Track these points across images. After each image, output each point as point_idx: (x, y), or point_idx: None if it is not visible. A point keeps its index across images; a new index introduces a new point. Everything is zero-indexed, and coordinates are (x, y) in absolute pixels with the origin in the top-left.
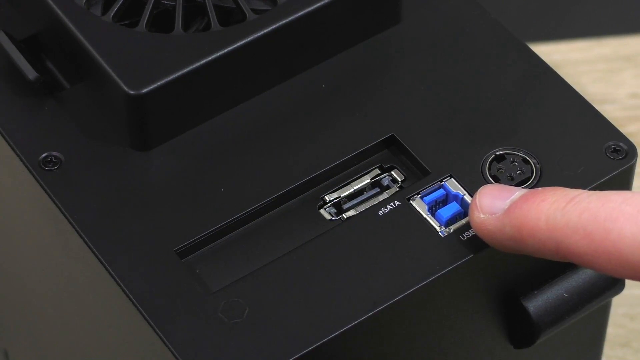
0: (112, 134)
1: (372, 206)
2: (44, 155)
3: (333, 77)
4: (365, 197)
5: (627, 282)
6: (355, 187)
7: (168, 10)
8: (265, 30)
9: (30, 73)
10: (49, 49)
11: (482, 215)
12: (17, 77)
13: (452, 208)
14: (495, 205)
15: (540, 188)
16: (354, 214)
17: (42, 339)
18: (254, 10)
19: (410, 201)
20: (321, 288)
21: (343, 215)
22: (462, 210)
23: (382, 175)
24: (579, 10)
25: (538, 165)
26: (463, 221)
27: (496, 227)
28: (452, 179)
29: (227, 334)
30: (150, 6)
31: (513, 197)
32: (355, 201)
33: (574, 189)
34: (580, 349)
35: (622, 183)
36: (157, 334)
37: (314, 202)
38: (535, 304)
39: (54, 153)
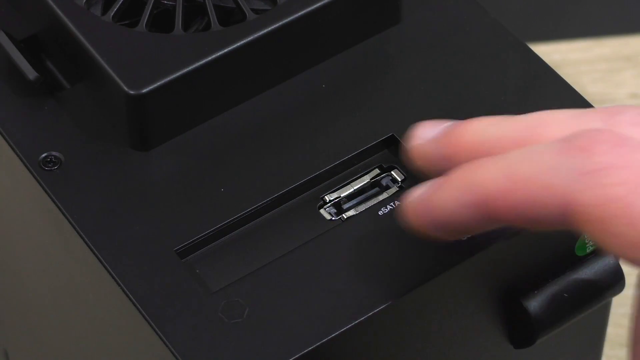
0: (112, 134)
1: (372, 206)
2: (44, 155)
3: (333, 77)
4: (365, 197)
5: (627, 282)
6: (355, 187)
7: (168, 10)
8: (265, 30)
9: (30, 73)
10: (49, 49)
11: (417, 141)
12: (17, 77)
13: None
14: (431, 132)
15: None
16: (354, 214)
17: (42, 339)
18: (254, 10)
19: None
20: (321, 288)
21: (343, 215)
22: None
23: (382, 175)
24: (579, 10)
25: None
26: None
27: (431, 148)
28: None
29: (227, 334)
30: (150, 6)
31: (448, 123)
32: (355, 201)
33: None
34: (580, 349)
35: None
36: (157, 334)
37: (314, 202)
38: (535, 304)
39: (54, 153)
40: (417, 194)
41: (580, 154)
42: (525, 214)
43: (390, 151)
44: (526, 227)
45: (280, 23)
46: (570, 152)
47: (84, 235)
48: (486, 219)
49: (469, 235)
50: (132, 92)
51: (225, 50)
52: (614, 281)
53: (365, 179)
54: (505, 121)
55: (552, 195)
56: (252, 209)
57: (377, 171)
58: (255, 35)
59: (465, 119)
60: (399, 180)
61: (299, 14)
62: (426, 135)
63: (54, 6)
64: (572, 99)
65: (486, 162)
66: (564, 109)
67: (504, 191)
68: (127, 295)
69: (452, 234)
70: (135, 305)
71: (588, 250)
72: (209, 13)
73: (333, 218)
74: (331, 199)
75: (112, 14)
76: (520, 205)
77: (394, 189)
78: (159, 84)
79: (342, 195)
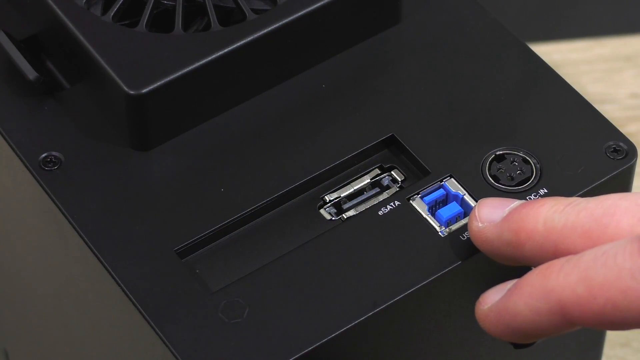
0: (112, 134)
1: (372, 206)
2: (44, 155)
3: (333, 77)
4: (365, 197)
5: None
6: (355, 187)
7: (168, 10)
8: (265, 30)
9: (30, 73)
10: (49, 49)
11: (480, 225)
12: (17, 77)
13: (452, 208)
14: (493, 214)
15: (539, 198)
16: (354, 214)
17: (42, 339)
18: (254, 10)
19: (410, 201)
20: (321, 288)
21: (343, 215)
22: (462, 210)
23: (382, 175)
24: (579, 10)
25: (538, 165)
26: (463, 221)
27: (494, 234)
28: (452, 179)
29: (227, 334)
30: (150, 6)
31: (512, 205)
32: (355, 201)
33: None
34: (580, 349)
35: (622, 183)
36: (157, 334)
37: (314, 202)
38: None
39: (54, 153)
40: (491, 300)
41: None
42: (609, 318)
43: (390, 151)
44: (611, 329)
45: (280, 23)
46: None
47: (84, 235)
48: (564, 324)
49: (549, 337)
50: (132, 92)
51: (225, 50)
52: None
53: (365, 179)
54: (571, 208)
55: (635, 298)
56: (252, 209)
57: (377, 171)
58: (255, 35)
59: (528, 200)
60: (399, 180)
61: (299, 14)
62: (490, 218)
63: (54, 6)
64: (572, 99)
65: (559, 267)
66: (627, 194)
67: (581, 299)
68: (127, 295)
69: (530, 338)
70: (135, 305)
71: None
72: (209, 13)
73: (333, 218)
74: (331, 199)
75: (112, 14)
76: (601, 311)
77: (394, 189)
78: (159, 84)
79: (342, 195)
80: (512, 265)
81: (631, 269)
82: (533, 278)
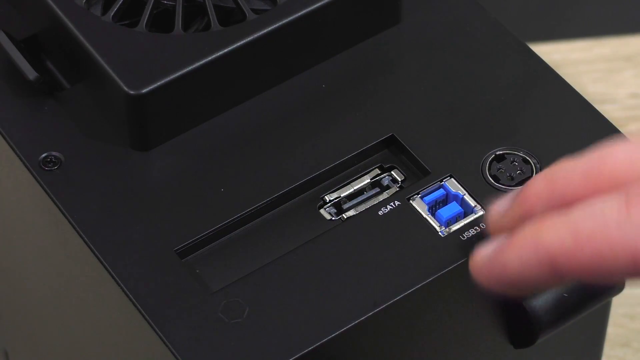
0: (112, 134)
1: (372, 206)
2: (44, 155)
3: (333, 77)
4: (365, 197)
5: (627, 281)
6: (355, 187)
7: (168, 10)
8: (265, 30)
9: (30, 73)
10: (49, 49)
11: (493, 220)
12: (17, 77)
13: (452, 208)
14: (500, 205)
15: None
16: (354, 214)
17: (42, 339)
18: (254, 10)
19: (410, 201)
20: (321, 288)
21: (343, 215)
22: (462, 210)
23: (382, 175)
24: (579, 10)
25: (538, 165)
26: (463, 221)
27: (506, 219)
28: (452, 179)
29: (227, 334)
30: (150, 6)
31: (515, 190)
32: (355, 201)
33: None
34: (580, 349)
35: None
36: (157, 334)
37: (314, 202)
38: (535, 304)
39: (54, 153)
40: (484, 253)
41: None
42: (595, 270)
43: (390, 151)
44: (598, 282)
45: (280, 23)
46: (633, 204)
47: (84, 235)
48: (554, 276)
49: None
50: (132, 92)
51: (225, 50)
52: None
53: (366, 179)
54: (569, 161)
55: (621, 250)
56: (252, 209)
57: (377, 171)
58: (255, 35)
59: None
60: (399, 180)
61: (299, 14)
62: (500, 208)
63: (54, 6)
64: (572, 99)
65: (549, 220)
66: (626, 142)
67: (569, 250)
68: (127, 295)
69: (521, 291)
70: (135, 305)
71: None
72: (209, 13)
73: (333, 218)
74: (331, 199)
75: (112, 14)
76: (588, 262)
77: (394, 189)
78: (159, 84)
79: (342, 195)
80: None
81: (618, 220)
82: (525, 231)
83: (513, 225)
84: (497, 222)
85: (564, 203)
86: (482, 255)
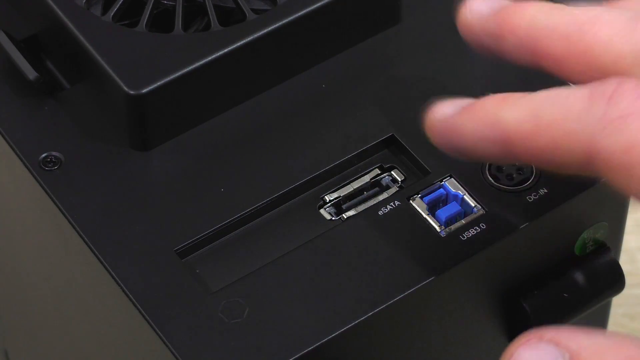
0: (112, 134)
1: (372, 206)
2: (44, 155)
3: (333, 77)
4: (365, 197)
5: (627, 282)
6: (355, 187)
7: (168, 10)
8: (265, 30)
9: (30, 73)
10: (49, 49)
11: (469, 15)
12: (17, 77)
13: (452, 208)
14: (482, 5)
15: None
16: (354, 213)
17: (42, 339)
18: (254, 10)
19: (410, 201)
20: (321, 288)
21: (343, 215)
22: (462, 210)
23: (382, 175)
24: None
25: None
26: (463, 221)
27: (480, 24)
28: (452, 179)
29: (227, 334)
30: (150, 6)
31: (503, 2)
32: (355, 201)
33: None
34: None
35: None
36: (157, 334)
37: (314, 202)
38: (535, 304)
39: (54, 153)
40: (442, 112)
41: (606, 102)
42: (548, 158)
43: (390, 151)
44: (547, 169)
45: (280, 23)
46: (596, 99)
47: (84, 235)
48: (507, 155)
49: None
50: (132, 92)
51: (225, 50)
52: (614, 281)
53: (365, 179)
54: (557, 11)
55: (576, 142)
56: (252, 209)
57: (377, 171)
58: (255, 35)
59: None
60: (399, 180)
61: (299, 14)
62: (479, 9)
63: (54, 6)
64: None
65: (512, 99)
66: (617, 9)
67: (527, 133)
68: (127, 295)
69: (471, 159)
70: (135, 305)
71: (588, 250)
72: (209, 13)
73: (333, 218)
74: (331, 199)
75: (112, 14)
76: (543, 149)
77: (394, 189)
78: (159, 84)
79: (342, 195)
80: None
81: (579, 111)
82: (487, 103)
83: (480, 32)
84: (469, 19)
85: (535, 54)
86: (441, 113)
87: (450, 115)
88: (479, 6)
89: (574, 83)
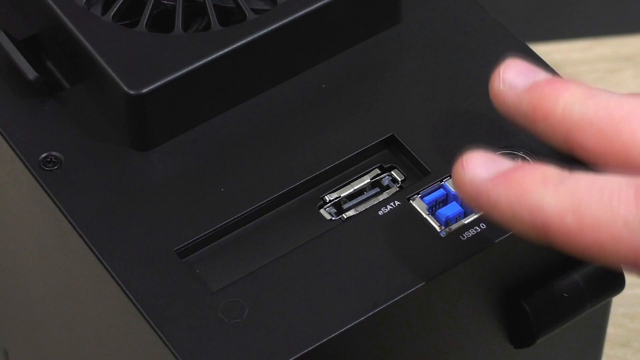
0: (112, 134)
1: (372, 206)
2: (44, 155)
3: (333, 77)
4: (365, 197)
5: (627, 282)
6: (355, 187)
7: (168, 10)
8: (265, 30)
9: (30, 73)
10: (49, 49)
11: (502, 86)
12: (17, 77)
13: (452, 208)
14: (517, 80)
15: (566, 78)
16: (354, 213)
17: (42, 339)
18: (254, 10)
19: (410, 201)
20: (321, 288)
21: (343, 215)
22: (462, 210)
23: (382, 175)
24: (579, 10)
25: None
26: (463, 221)
27: (513, 100)
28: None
29: (227, 334)
30: (150, 6)
31: (537, 77)
32: (355, 201)
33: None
34: (580, 349)
35: None
36: (157, 334)
37: (314, 202)
38: (535, 304)
39: (54, 153)
40: (474, 174)
41: None
42: (590, 255)
43: (390, 151)
44: (589, 261)
45: (280, 23)
46: None
47: (84, 235)
48: (541, 240)
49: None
50: (132, 92)
51: (225, 50)
52: (614, 281)
53: (365, 179)
54: (592, 101)
55: (623, 246)
56: (252, 209)
57: (377, 171)
58: (255, 35)
59: (553, 78)
60: (399, 180)
61: (299, 14)
62: (513, 82)
63: (54, 6)
64: None
65: (554, 185)
66: None
67: (569, 229)
68: (127, 295)
69: (497, 225)
70: (135, 305)
71: None
72: (209, 13)
73: (333, 218)
74: (331, 199)
75: (112, 14)
76: (585, 248)
77: (394, 189)
78: (159, 84)
79: (342, 195)
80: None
81: (625, 216)
82: (526, 180)
83: (512, 110)
84: (503, 94)
85: (567, 143)
86: (473, 174)
87: (483, 181)
88: (512, 79)
89: (608, 172)
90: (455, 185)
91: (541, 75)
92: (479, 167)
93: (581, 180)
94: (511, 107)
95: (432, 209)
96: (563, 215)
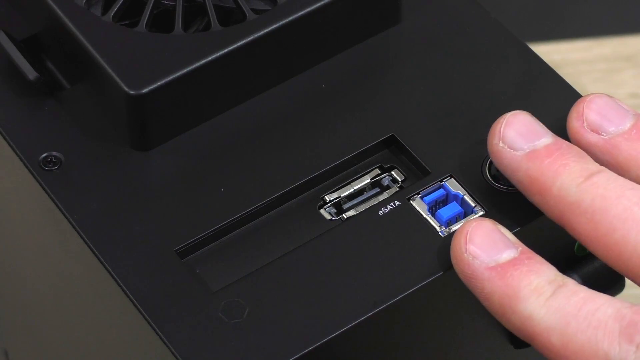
0: (112, 134)
1: (372, 206)
2: (44, 155)
3: (333, 77)
4: (366, 197)
5: (627, 282)
6: (356, 187)
7: (168, 10)
8: (265, 30)
9: (30, 73)
10: (49, 49)
11: (500, 144)
12: (17, 77)
13: (452, 208)
14: (517, 142)
15: (566, 146)
16: (354, 214)
17: (42, 339)
18: (254, 10)
19: (410, 201)
20: (321, 288)
21: (343, 215)
22: (462, 210)
23: (382, 175)
24: (579, 10)
25: None
26: (463, 221)
27: (510, 164)
28: (452, 179)
29: (227, 334)
30: (150, 6)
31: (537, 143)
32: (355, 201)
33: (597, 164)
34: None
35: None
36: (157, 334)
37: (314, 202)
38: None
39: (54, 153)
40: (475, 254)
41: (635, 348)
42: None
43: (390, 151)
44: None
45: (280, 23)
46: (625, 340)
47: (84, 235)
48: (526, 340)
49: None
50: (132, 92)
51: (225, 50)
52: (614, 281)
53: (366, 179)
54: (589, 186)
55: None
56: (252, 209)
57: (377, 171)
58: (255, 35)
59: (554, 144)
60: (399, 180)
61: (299, 14)
62: (512, 143)
63: (54, 6)
64: (572, 99)
65: (544, 294)
66: None
67: (553, 348)
68: (127, 295)
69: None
70: (135, 305)
71: (587, 250)
72: (209, 13)
73: (333, 218)
74: (331, 199)
75: (112, 14)
76: None
77: (394, 189)
78: (159, 84)
79: (342, 195)
80: None
81: (607, 351)
82: (521, 286)
83: (508, 172)
84: (501, 153)
85: (561, 223)
86: (474, 256)
87: (481, 268)
88: (512, 140)
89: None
90: (453, 254)
91: (542, 140)
92: (480, 248)
93: (572, 298)
94: (508, 169)
95: (432, 209)
96: (550, 334)
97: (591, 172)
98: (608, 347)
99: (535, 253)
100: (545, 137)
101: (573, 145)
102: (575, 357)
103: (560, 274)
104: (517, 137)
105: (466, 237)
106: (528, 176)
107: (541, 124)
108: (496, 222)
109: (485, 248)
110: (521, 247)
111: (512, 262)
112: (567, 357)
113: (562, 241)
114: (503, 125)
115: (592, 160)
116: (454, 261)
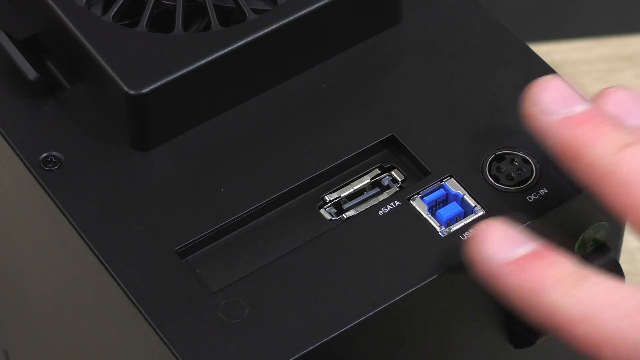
0: (112, 134)
1: (372, 206)
2: (44, 155)
3: (333, 77)
4: (366, 197)
5: (627, 282)
6: (356, 187)
7: (168, 10)
8: (265, 30)
9: (30, 73)
10: (49, 49)
11: (534, 109)
12: (17, 77)
13: (452, 208)
14: (551, 107)
15: (601, 114)
16: (354, 214)
17: (42, 339)
18: (254, 10)
19: (410, 201)
20: (321, 288)
21: (343, 215)
22: (462, 210)
23: (382, 175)
24: (579, 10)
25: (538, 165)
26: (463, 221)
27: (543, 129)
28: (452, 179)
29: (227, 334)
30: (150, 6)
31: (572, 109)
32: (355, 201)
33: (632, 135)
34: None
35: None
36: (157, 334)
37: (314, 202)
38: None
39: (54, 153)
40: (488, 252)
41: None
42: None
43: (390, 151)
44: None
45: (280, 23)
46: None
47: (84, 235)
48: (551, 332)
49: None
50: (132, 92)
51: (225, 50)
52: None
53: (366, 179)
54: (625, 156)
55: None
56: (252, 209)
57: (377, 171)
58: (255, 35)
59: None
60: (399, 180)
61: (299, 14)
62: (548, 109)
63: (54, 6)
64: None
65: (568, 283)
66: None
67: (582, 336)
68: (127, 295)
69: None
70: (135, 305)
71: (588, 250)
72: (209, 13)
73: (333, 218)
74: (331, 199)
75: (112, 14)
76: (597, 354)
77: (394, 189)
78: (159, 84)
79: (342, 195)
80: None
81: (638, 339)
82: (543, 278)
83: (546, 134)
84: (543, 120)
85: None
86: (491, 255)
87: (499, 265)
88: (545, 104)
89: None
90: (469, 256)
91: (577, 106)
92: (496, 246)
93: (596, 288)
94: (541, 134)
95: (432, 209)
96: (577, 324)
97: (626, 142)
98: (639, 335)
99: (551, 245)
100: (580, 104)
101: (608, 114)
102: (606, 346)
103: (579, 263)
104: (552, 102)
105: (481, 237)
106: (561, 143)
107: (577, 90)
108: (507, 221)
109: (502, 244)
110: (537, 241)
111: (532, 255)
112: (596, 347)
113: (562, 241)
114: (538, 90)
115: (627, 130)
116: (472, 265)
